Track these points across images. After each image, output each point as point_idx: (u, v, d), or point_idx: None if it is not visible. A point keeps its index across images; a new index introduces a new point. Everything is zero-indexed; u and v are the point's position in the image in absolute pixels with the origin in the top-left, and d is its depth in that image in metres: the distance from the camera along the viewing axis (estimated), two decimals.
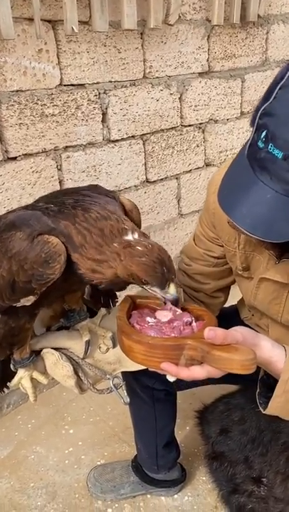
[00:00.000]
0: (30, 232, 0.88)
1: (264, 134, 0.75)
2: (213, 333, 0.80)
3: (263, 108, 0.77)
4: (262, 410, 0.93)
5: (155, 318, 0.96)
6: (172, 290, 0.90)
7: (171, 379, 0.88)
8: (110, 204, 0.98)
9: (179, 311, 0.95)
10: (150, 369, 0.90)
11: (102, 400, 2.01)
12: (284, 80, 0.76)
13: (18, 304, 0.93)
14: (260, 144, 0.76)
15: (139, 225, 1.07)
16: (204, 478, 1.65)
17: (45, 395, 2.09)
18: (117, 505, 1.58)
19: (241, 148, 0.85)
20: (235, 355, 0.80)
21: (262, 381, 0.96)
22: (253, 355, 0.80)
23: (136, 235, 0.91)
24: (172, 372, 0.84)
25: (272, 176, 0.76)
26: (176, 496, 1.61)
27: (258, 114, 0.78)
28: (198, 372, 0.84)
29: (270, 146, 0.74)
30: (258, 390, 0.96)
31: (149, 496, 1.61)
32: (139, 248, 0.89)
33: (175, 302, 0.92)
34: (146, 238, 0.93)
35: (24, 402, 2.05)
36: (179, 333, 0.89)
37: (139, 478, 1.58)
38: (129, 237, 0.91)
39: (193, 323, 0.92)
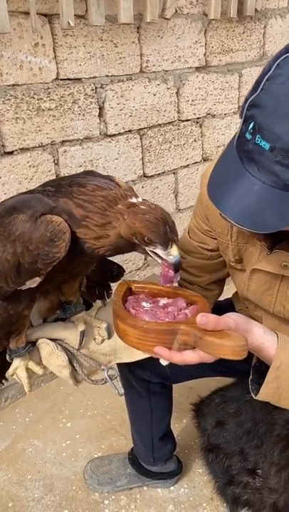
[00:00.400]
0: (32, 213, 0.89)
1: (251, 125, 0.76)
2: (206, 319, 0.81)
3: (250, 99, 0.78)
4: (253, 396, 0.94)
5: (151, 303, 0.97)
6: (174, 251, 0.90)
7: (164, 363, 0.90)
8: (105, 181, 1.00)
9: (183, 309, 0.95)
10: (144, 353, 0.92)
11: (100, 393, 2.02)
12: (271, 72, 0.77)
13: (24, 287, 0.94)
14: (248, 136, 0.77)
15: None
16: (200, 470, 1.66)
17: (42, 389, 2.10)
18: (113, 497, 1.60)
19: (231, 140, 0.86)
20: (227, 341, 0.81)
21: (255, 368, 0.97)
22: (244, 341, 0.81)
23: (139, 199, 0.93)
24: (165, 356, 0.86)
25: (260, 167, 0.76)
26: (172, 487, 1.62)
27: (246, 106, 0.78)
28: (190, 356, 0.85)
29: (257, 138, 0.75)
30: (250, 377, 0.97)
31: (145, 487, 1.62)
32: (143, 207, 0.90)
33: (176, 265, 0.92)
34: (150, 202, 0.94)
35: (22, 396, 2.06)
36: (173, 318, 0.91)
37: (136, 470, 1.59)
38: (133, 199, 0.92)
39: (187, 309, 0.93)
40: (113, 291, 1.25)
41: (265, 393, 0.91)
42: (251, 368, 0.98)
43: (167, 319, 0.91)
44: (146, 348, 0.88)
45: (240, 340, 0.81)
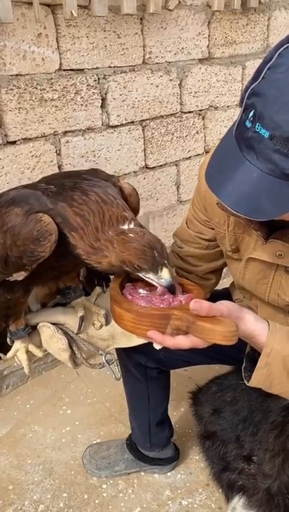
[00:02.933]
0: (27, 210, 0.91)
1: (252, 113, 0.77)
2: (199, 304, 0.84)
3: (251, 88, 0.79)
4: (246, 383, 0.96)
5: (147, 290, 1.00)
6: (165, 274, 0.92)
7: (157, 347, 0.92)
8: (109, 188, 1.00)
9: (177, 296, 0.97)
10: (138, 337, 0.95)
11: (100, 382, 2.05)
12: (273, 61, 0.77)
13: (11, 278, 0.96)
14: (248, 124, 0.78)
15: (137, 209, 1.11)
16: (197, 457, 1.69)
17: (43, 377, 2.13)
18: (111, 481, 1.63)
19: (229, 128, 0.87)
20: (218, 327, 0.83)
21: (248, 356, 0.99)
22: (235, 327, 0.83)
23: (132, 225, 0.94)
24: (158, 340, 0.88)
25: (259, 156, 0.77)
26: (169, 473, 1.65)
27: (247, 94, 0.79)
28: (182, 341, 0.88)
29: (257, 126, 0.76)
30: (243, 365, 0.99)
31: (142, 473, 1.65)
32: (131, 235, 0.92)
33: (170, 287, 0.93)
34: (141, 228, 0.95)
35: (23, 384, 2.09)
36: (168, 304, 0.93)
37: (133, 455, 1.62)
38: (125, 226, 0.94)
39: (182, 297, 0.96)
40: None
41: (257, 379, 0.93)
42: (244, 356, 1.00)
43: (162, 305, 0.93)
44: (140, 331, 0.91)
45: (231, 326, 0.84)
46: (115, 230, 0.93)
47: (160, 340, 0.88)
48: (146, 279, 0.95)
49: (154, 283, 0.94)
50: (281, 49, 0.77)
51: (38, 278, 1.02)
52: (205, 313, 0.84)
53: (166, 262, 0.92)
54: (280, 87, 0.75)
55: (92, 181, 1.00)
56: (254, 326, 0.90)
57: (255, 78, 0.79)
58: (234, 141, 0.82)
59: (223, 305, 0.88)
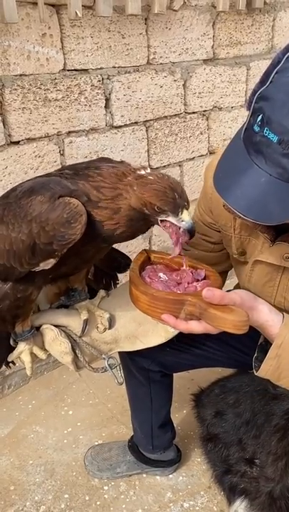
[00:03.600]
0: (51, 195, 0.91)
1: (260, 117, 0.77)
2: (211, 292, 0.85)
3: (259, 92, 0.78)
4: (255, 372, 0.97)
5: (167, 274, 1.02)
6: (186, 216, 0.91)
7: (171, 330, 0.97)
8: (120, 163, 1.03)
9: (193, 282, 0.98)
10: (152, 319, 0.97)
11: (102, 383, 2.05)
12: (281, 64, 0.77)
13: (37, 269, 0.95)
14: (256, 128, 0.78)
15: None
16: (199, 459, 1.69)
17: (45, 377, 2.13)
18: (113, 483, 1.63)
19: (237, 132, 0.86)
20: (229, 316, 0.85)
21: (260, 346, 1.00)
22: (246, 317, 0.84)
23: (148, 170, 0.95)
24: (171, 323, 0.90)
25: (267, 160, 0.77)
26: (171, 475, 1.65)
27: (255, 98, 0.79)
28: (195, 326, 0.89)
29: (265, 130, 0.76)
30: (255, 355, 0.99)
31: (144, 475, 1.65)
32: (151, 177, 0.92)
33: (191, 230, 0.92)
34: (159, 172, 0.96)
35: (25, 384, 2.09)
36: (183, 290, 0.96)
37: (135, 457, 1.62)
38: (143, 172, 0.94)
39: (198, 283, 0.97)
40: (119, 283, 1.27)
41: (266, 370, 0.93)
42: (257, 346, 1.00)
43: (178, 291, 0.96)
44: (154, 314, 0.93)
45: (242, 315, 0.85)
46: (134, 176, 0.93)
47: (173, 324, 0.90)
48: (165, 227, 0.94)
49: (175, 226, 0.92)
50: None
51: (61, 267, 1.01)
52: (217, 301, 0.85)
53: (186, 204, 0.92)
54: (288, 91, 0.74)
55: (103, 162, 1.03)
56: (267, 316, 0.91)
57: (263, 82, 0.79)
58: (242, 144, 0.82)
59: (237, 294, 0.89)
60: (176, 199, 0.90)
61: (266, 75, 0.79)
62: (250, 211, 0.80)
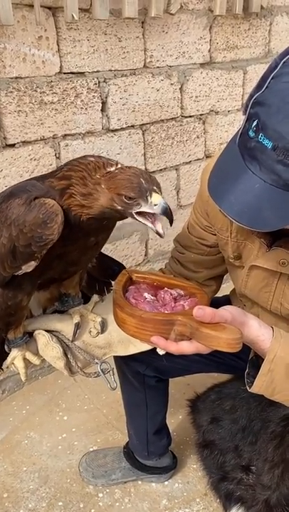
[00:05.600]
0: (27, 197, 0.91)
1: (255, 123, 0.76)
2: (202, 311, 0.83)
3: (255, 97, 0.78)
4: (248, 389, 0.95)
5: (151, 294, 0.99)
6: (156, 199, 0.87)
7: (160, 352, 0.92)
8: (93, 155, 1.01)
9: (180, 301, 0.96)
10: (141, 341, 0.94)
11: (97, 388, 2.03)
12: (277, 70, 0.76)
13: (20, 272, 0.95)
14: (251, 133, 0.77)
15: None
16: (195, 466, 1.67)
17: (40, 383, 2.11)
18: (108, 490, 1.60)
19: (233, 136, 0.86)
20: (222, 334, 0.82)
21: (251, 362, 0.98)
22: (239, 334, 0.82)
23: (118, 166, 0.93)
24: (161, 346, 0.88)
25: (262, 166, 0.77)
26: (166, 482, 1.63)
27: (250, 103, 0.78)
28: (186, 347, 0.87)
29: (260, 136, 0.75)
30: (247, 370, 0.97)
31: (139, 481, 1.63)
32: (117, 171, 0.91)
33: (164, 211, 0.88)
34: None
35: (19, 389, 2.07)
36: (171, 309, 0.93)
37: (131, 464, 1.60)
38: (112, 168, 0.92)
39: (186, 302, 0.95)
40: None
41: (259, 386, 0.92)
42: (248, 362, 0.99)
43: (165, 311, 0.93)
44: (143, 337, 0.90)
45: (235, 333, 0.83)
46: (101, 174, 0.92)
47: (163, 346, 0.87)
48: (140, 217, 0.91)
49: (148, 223, 0.90)
50: (286, 58, 0.77)
51: (46, 270, 1.01)
52: (209, 319, 0.83)
53: (154, 187, 0.88)
54: (284, 97, 0.74)
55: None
56: (258, 331, 0.89)
57: (259, 86, 0.78)
58: (237, 150, 0.81)
59: (227, 311, 0.86)
60: (141, 184, 0.87)
61: (263, 79, 0.78)
62: (243, 217, 0.79)
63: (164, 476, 1.62)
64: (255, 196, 0.77)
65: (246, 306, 1.24)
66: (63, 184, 0.92)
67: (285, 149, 0.72)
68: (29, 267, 0.93)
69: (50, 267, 0.99)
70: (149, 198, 0.88)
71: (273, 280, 1.05)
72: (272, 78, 0.76)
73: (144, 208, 0.89)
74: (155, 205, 0.88)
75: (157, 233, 0.92)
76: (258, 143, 0.75)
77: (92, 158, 0.95)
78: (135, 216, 0.91)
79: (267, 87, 0.76)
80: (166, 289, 0.99)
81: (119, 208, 0.90)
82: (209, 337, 0.83)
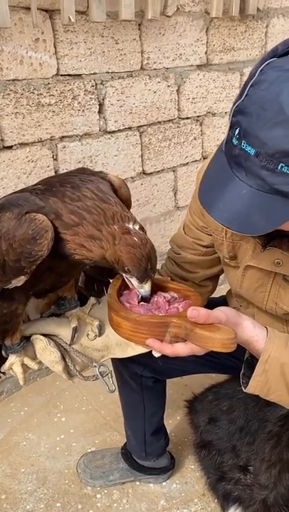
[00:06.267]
0: (18, 212, 0.90)
1: (237, 131, 0.78)
2: (196, 312, 0.83)
3: (236, 105, 0.79)
4: (243, 389, 0.96)
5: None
6: (147, 287, 0.94)
7: (156, 354, 0.92)
8: (101, 184, 0.99)
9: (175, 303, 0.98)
10: (136, 344, 0.95)
11: (95, 389, 2.03)
12: (255, 78, 0.78)
13: (10, 286, 0.94)
14: (235, 141, 0.79)
15: (129, 201, 1.10)
16: (193, 466, 1.67)
17: (38, 384, 2.11)
18: (106, 491, 1.61)
19: (220, 145, 0.87)
20: (217, 334, 0.83)
21: (246, 362, 0.99)
22: (233, 334, 0.83)
23: (136, 226, 0.94)
24: (156, 348, 0.88)
25: (247, 172, 0.78)
26: (164, 483, 1.63)
27: (232, 111, 0.80)
28: (181, 348, 0.87)
29: (243, 143, 0.77)
30: (242, 371, 0.98)
31: (137, 482, 1.63)
32: (136, 239, 0.90)
33: (145, 299, 0.96)
34: (143, 232, 0.95)
35: (17, 390, 2.07)
36: (165, 311, 0.94)
37: (128, 465, 1.60)
38: (130, 225, 0.92)
39: (180, 304, 0.95)
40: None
41: (254, 386, 0.92)
42: (243, 362, 0.99)
43: (160, 313, 0.93)
44: (138, 339, 0.90)
45: (230, 333, 0.83)
46: (121, 226, 0.91)
47: (159, 348, 0.88)
48: (126, 280, 0.97)
49: (133, 286, 0.97)
50: (263, 65, 0.78)
51: (38, 283, 1.00)
52: (203, 320, 0.83)
53: (152, 275, 0.94)
54: (262, 105, 0.75)
55: (82, 176, 0.99)
56: (252, 332, 0.90)
57: (240, 95, 0.80)
58: (224, 158, 0.83)
59: (221, 311, 0.87)
60: (147, 270, 0.91)
61: (243, 87, 0.80)
62: (233, 223, 0.81)
63: (162, 476, 1.62)
64: (243, 202, 0.79)
65: (242, 306, 1.24)
66: (72, 221, 0.91)
67: (267, 155, 0.73)
68: (19, 281, 0.93)
69: (41, 280, 0.99)
70: (143, 283, 0.93)
71: (268, 280, 1.06)
72: (251, 86, 0.78)
73: (135, 284, 0.95)
74: (142, 289, 0.95)
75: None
76: (241, 150, 0.77)
77: (110, 201, 0.93)
78: (124, 277, 0.97)
79: (246, 94, 0.78)
80: (159, 292, 1.00)
81: (116, 266, 0.94)
82: (204, 338, 0.84)
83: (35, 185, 1.02)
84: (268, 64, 0.77)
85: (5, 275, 0.93)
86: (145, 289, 0.94)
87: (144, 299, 0.96)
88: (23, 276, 0.92)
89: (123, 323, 0.91)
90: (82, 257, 0.94)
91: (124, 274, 0.95)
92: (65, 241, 0.92)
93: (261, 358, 0.90)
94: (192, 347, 0.86)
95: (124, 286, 1.03)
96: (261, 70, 0.77)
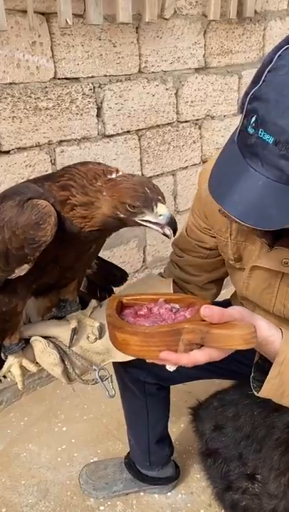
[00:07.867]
0: (20, 199, 0.89)
1: (254, 119, 0.74)
2: (210, 310, 0.78)
3: (251, 93, 0.76)
4: (255, 393, 0.91)
5: (146, 312, 0.92)
6: (162, 210, 0.87)
7: (170, 369, 0.83)
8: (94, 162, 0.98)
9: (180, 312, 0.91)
10: (148, 361, 0.86)
11: (96, 397, 1.99)
12: (272, 63, 0.75)
13: (13, 276, 0.92)
14: (250, 130, 0.75)
15: None
16: (198, 475, 1.63)
17: (38, 393, 2.07)
18: (109, 502, 1.56)
19: (230, 136, 0.84)
20: (236, 331, 0.77)
21: (257, 365, 0.94)
22: (253, 328, 0.77)
23: (119, 173, 0.91)
24: (173, 360, 0.80)
25: (263, 162, 0.74)
26: (169, 493, 1.59)
27: (247, 99, 0.76)
28: (198, 355, 0.79)
29: (260, 132, 0.73)
30: (252, 374, 0.93)
31: (142, 493, 1.59)
32: (119, 179, 0.89)
33: (170, 223, 0.88)
34: (129, 174, 0.92)
35: (17, 400, 2.03)
36: (172, 322, 0.87)
37: (132, 475, 1.56)
38: (113, 175, 0.90)
39: (186, 311, 0.89)
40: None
41: (268, 389, 0.87)
42: (253, 365, 0.95)
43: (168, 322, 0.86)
44: (151, 354, 0.82)
45: (249, 327, 0.77)
46: (103, 180, 0.90)
47: (175, 360, 0.79)
48: (145, 224, 0.90)
49: (153, 226, 0.89)
50: (281, 51, 0.75)
51: (41, 275, 0.98)
52: (217, 319, 0.78)
53: (160, 197, 0.88)
54: (282, 90, 0.72)
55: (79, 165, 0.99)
56: (268, 332, 0.85)
57: (255, 82, 0.76)
58: (236, 148, 0.79)
59: (235, 310, 0.83)
60: (147, 193, 0.86)
61: (258, 75, 0.77)
62: (248, 217, 0.77)
63: (167, 486, 1.58)
64: (258, 194, 0.75)
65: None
66: (64, 195, 0.90)
67: (287, 143, 0.70)
68: (22, 270, 0.91)
69: (44, 271, 0.97)
70: (154, 208, 0.87)
71: (276, 281, 1.03)
72: (268, 72, 0.74)
73: (149, 217, 0.88)
74: (160, 215, 0.87)
75: (164, 235, 0.91)
76: (258, 139, 0.73)
77: (91, 165, 0.93)
78: (141, 223, 0.90)
79: (264, 81, 0.74)
80: (161, 303, 0.92)
81: (122, 216, 0.89)
82: (222, 337, 0.78)
83: (38, 177, 1.03)
84: (286, 49, 0.74)
85: (8, 264, 0.91)
86: (162, 213, 0.86)
87: (170, 224, 0.88)
88: (26, 265, 0.91)
89: (131, 339, 0.82)
90: (92, 228, 0.91)
91: (137, 220, 0.89)
92: (69, 220, 0.91)
93: (277, 359, 0.85)
94: (210, 352, 0.79)
95: (122, 307, 0.96)
96: (279, 56, 0.74)
